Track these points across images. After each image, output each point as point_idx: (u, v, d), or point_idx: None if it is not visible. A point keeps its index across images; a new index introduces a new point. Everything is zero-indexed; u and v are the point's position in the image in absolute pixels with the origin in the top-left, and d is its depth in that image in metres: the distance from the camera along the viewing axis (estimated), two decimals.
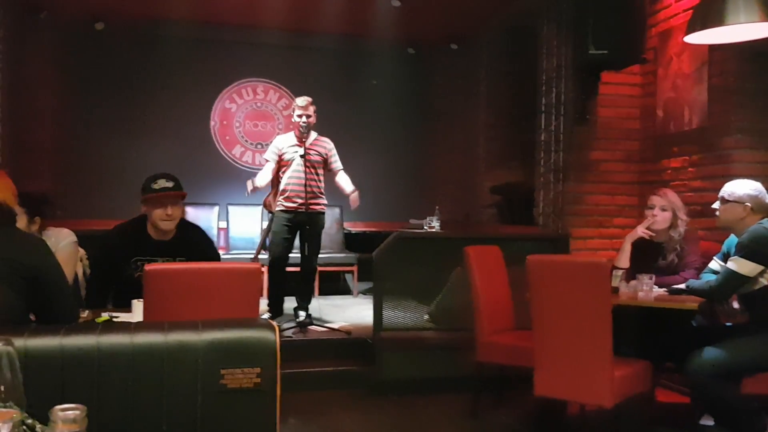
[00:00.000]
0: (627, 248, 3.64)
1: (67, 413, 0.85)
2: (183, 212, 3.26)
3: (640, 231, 3.63)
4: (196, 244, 3.32)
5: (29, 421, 0.91)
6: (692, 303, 3.21)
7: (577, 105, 5.14)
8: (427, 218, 5.49)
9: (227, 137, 7.94)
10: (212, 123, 7.89)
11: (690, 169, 4.63)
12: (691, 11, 4.03)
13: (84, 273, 3.27)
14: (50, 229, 3.08)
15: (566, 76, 5.15)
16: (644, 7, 4.79)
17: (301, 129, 5.04)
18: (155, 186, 3.16)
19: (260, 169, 5.31)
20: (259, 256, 5.63)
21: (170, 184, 3.18)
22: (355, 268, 7.01)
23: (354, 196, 5.22)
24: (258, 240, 5.64)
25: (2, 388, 0.87)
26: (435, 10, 6.68)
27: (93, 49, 7.11)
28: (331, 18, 6.53)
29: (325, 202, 5.25)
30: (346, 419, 3.99)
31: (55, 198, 3.46)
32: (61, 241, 3.04)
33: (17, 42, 5.55)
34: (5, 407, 0.87)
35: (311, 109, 5.09)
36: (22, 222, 2.90)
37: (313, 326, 5.08)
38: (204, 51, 7.48)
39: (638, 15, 4.68)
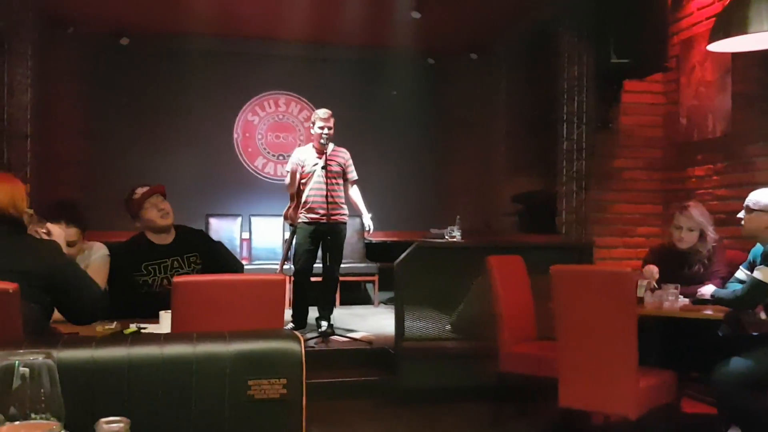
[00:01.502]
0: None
1: (112, 426, 0.88)
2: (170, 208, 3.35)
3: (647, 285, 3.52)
4: (196, 237, 3.43)
5: None
6: (718, 313, 3.17)
7: (600, 113, 5.12)
8: (448, 228, 5.48)
9: (249, 149, 8.02)
10: (235, 135, 7.97)
11: (714, 177, 4.59)
12: (713, 19, 4.01)
13: None
14: (84, 242, 3.13)
15: (588, 84, 5.13)
16: (666, 15, 4.77)
17: (321, 141, 5.09)
18: (135, 195, 3.30)
19: (281, 180, 5.37)
20: (284, 268, 5.67)
21: (146, 188, 3.32)
22: (375, 278, 7.02)
23: (369, 222, 5.34)
24: (281, 251, 5.68)
25: (43, 399, 0.89)
26: (454, 20, 6.70)
27: (118, 63, 7.23)
28: (351, 30, 6.58)
29: (347, 212, 5.29)
30: (369, 429, 4.00)
31: (81, 208, 3.53)
32: (94, 254, 3.10)
33: (45, 57, 5.66)
34: (44, 419, 0.90)
35: (332, 122, 5.14)
36: (79, 244, 2.98)
37: (335, 336, 5.10)
38: (227, 64, 7.56)
39: (660, 23, 4.66)
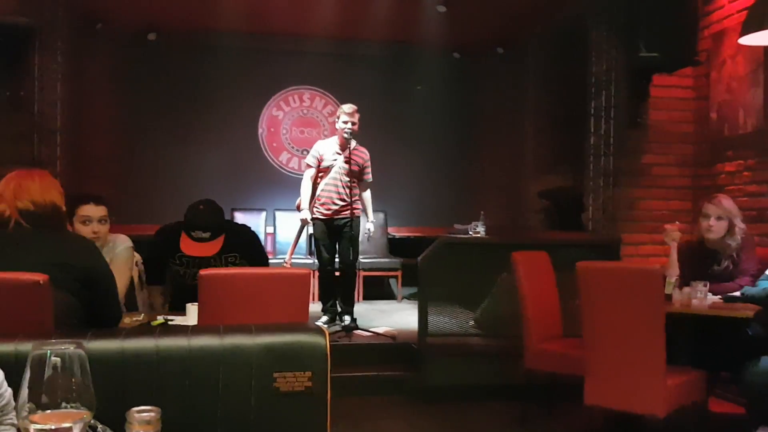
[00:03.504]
0: (674, 257, 3.56)
1: (143, 415, 0.89)
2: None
3: (671, 242, 3.56)
4: (241, 237, 3.35)
5: (92, 421, 0.95)
6: (748, 311, 3.12)
7: (628, 108, 5.05)
8: (472, 223, 5.47)
9: (274, 144, 8.06)
10: (260, 130, 8.01)
11: (745, 173, 4.50)
12: (745, 12, 3.93)
13: (140, 278, 3.36)
14: (108, 234, 3.17)
15: (616, 79, 5.07)
16: (696, 8, 4.69)
17: (345, 136, 5.09)
18: (193, 235, 3.12)
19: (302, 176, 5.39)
20: (292, 261, 5.71)
21: (206, 235, 3.11)
22: (399, 273, 7.02)
23: (372, 227, 5.38)
24: (305, 246, 5.72)
25: (74, 389, 0.90)
26: (481, 14, 6.65)
27: (146, 59, 7.31)
28: (376, 25, 6.57)
29: (360, 206, 5.31)
30: (392, 425, 4.00)
31: (109, 203, 3.56)
32: (118, 246, 3.13)
33: (75, 53, 5.74)
34: (74, 408, 0.91)
35: (356, 117, 5.14)
36: (108, 226, 3.06)
37: (359, 331, 5.12)
38: (253, 60, 7.61)
39: (690, 16, 4.59)
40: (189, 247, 3.13)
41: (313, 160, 5.26)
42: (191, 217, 3.15)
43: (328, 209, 5.17)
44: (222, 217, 3.23)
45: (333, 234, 5.23)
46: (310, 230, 5.50)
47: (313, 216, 5.23)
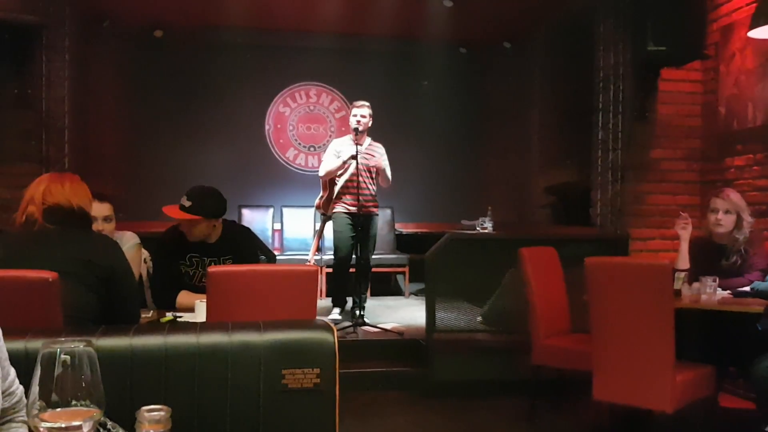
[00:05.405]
0: (685, 249, 3.55)
1: (153, 414, 0.89)
2: (210, 226, 3.18)
3: (681, 231, 3.56)
4: (236, 239, 3.31)
5: (101, 419, 0.95)
6: (757, 306, 3.10)
7: (636, 102, 5.03)
8: (480, 219, 5.46)
9: (281, 140, 8.06)
10: (267, 127, 8.02)
11: (755, 167, 4.48)
12: (754, 5, 3.91)
13: (148, 274, 3.37)
14: (115, 231, 3.18)
15: (624, 73, 5.04)
16: (705, 1, 4.66)
17: (354, 128, 5.12)
18: (181, 201, 3.12)
19: (313, 172, 5.39)
20: (315, 257, 5.71)
21: (188, 204, 3.09)
22: (406, 269, 7.01)
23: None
24: (312, 242, 5.72)
25: (84, 386, 0.90)
26: (487, 8, 6.63)
27: (152, 56, 7.31)
28: (382, 20, 6.56)
29: (378, 204, 5.34)
30: (401, 420, 4.00)
31: (117, 200, 3.56)
32: (126, 244, 3.12)
33: (82, 51, 5.76)
34: (84, 406, 0.91)
35: (365, 110, 5.18)
36: (114, 224, 3.07)
37: (366, 327, 5.12)
38: (259, 56, 7.60)
39: (699, 9, 4.56)
40: (171, 211, 3.11)
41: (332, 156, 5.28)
42: (192, 188, 3.18)
43: (351, 205, 5.20)
44: (213, 206, 3.15)
45: (355, 229, 5.24)
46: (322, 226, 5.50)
47: (335, 211, 5.27)
